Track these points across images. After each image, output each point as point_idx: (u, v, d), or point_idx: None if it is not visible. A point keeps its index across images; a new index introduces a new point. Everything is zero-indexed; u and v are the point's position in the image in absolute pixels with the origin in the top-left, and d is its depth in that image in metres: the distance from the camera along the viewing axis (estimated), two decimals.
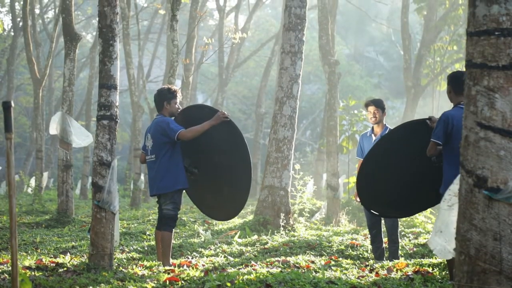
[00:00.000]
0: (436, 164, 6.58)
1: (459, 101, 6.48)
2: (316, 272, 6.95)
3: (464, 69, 4.27)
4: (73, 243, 9.71)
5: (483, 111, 4.08)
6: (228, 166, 8.00)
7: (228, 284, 5.51)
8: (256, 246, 9.36)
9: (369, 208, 7.67)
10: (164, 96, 7.68)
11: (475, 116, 4.12)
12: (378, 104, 8.72)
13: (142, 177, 19.81)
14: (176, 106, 7.72)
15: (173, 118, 7.75)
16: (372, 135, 8.76)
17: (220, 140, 7.86)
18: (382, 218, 8.68)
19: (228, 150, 7.93)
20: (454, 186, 4.94)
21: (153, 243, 9.34)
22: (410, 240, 10.10)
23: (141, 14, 28.91)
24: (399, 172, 7.23)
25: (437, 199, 6.62)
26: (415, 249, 9.13)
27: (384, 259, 8.41)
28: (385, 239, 8.85)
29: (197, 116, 7.83)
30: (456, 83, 6.53)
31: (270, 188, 11.42)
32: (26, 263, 6.90)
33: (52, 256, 8.11)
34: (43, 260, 7.19)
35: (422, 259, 7.80)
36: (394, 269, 7.02)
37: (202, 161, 8.00)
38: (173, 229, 7.56)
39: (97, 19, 7.09)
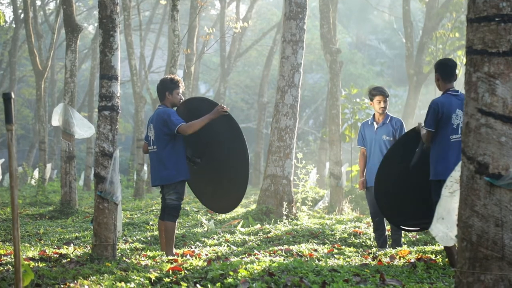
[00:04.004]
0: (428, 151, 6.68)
1: (447, 88, 6.58)
2: (319, 260, 6.96)
3: (465, 56, 4.26)
4: (77, 234, 9.73)
5: (484, 97, 4.07)
6: (227, 158, 8.01)
7: (231, 273, 5.52)
8: (259, 235, 9.38)
9: (397, 223, 7.66)
10: (166, 86, 7.67)
11: (476, 103, 4.11)
12: (386, 93, 8.71)
13: (145, 167, 19.85)
14: (178, 96, 7.71)
15: (175, 108, 7.75)
16: (374, 123, 8.72)
17: (220, 133, 7.87)
18: None
19: (227, 143, 7.94)
20: (456, 173, 4.94)
21: (156, 233, 9.36)
22: None
23: (142, 5, 28.86)
24: (412, 181, 7.25)
25: None
26: (418, 236, 9.14)
27: (387, 246, 8.41)
28: (388, 227, 8.86)
29: (198, 108, 7.83)
30: (443, 70, 6.63)
31: (273, 177, 11.43)
32: (30, 254, 6.93)
33: (55, 247, 8.14)
34: (47, 251, 7.21)
35: (425, 246, 7.81)
36: (397, 257, 7.02)
37: (203, 151, 8.00)
38: (176, 219, 7.57)
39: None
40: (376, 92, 8.72)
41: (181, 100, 7.79)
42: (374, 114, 8.80)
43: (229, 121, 7.74)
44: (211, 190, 8.24)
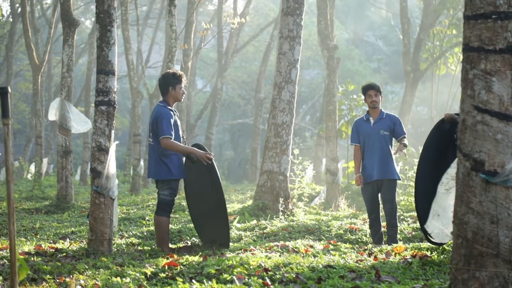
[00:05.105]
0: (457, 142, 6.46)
1: None
2: (314, 256, 6.96)
3: (462, 53, 4.27)
4: (73, 228, 9.73)
5: (480, 94, 4.08)
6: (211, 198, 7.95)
7: (227, 269, 5.52)
8: (255, 231, 9.38)
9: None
10: (169, 81, 7.62)
11: (472, 100, 4.11)
12: (378, 88, 8.75)
13: (142, 163, 19.85)
14: (181, 91, 7.66)
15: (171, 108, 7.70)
16: (370, 118, 8.74)
17: (204, 178, 7.86)
18: (380, 202, 8.70)
19: (210, 188, 7.89)
20: (452, 170, 4.95)
21: (152, 228, 9.36)
22: (408, 224, 10.12)
23: None
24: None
25: None
26: (413, 233, 9.15)
27: (383, 243, 8.43)
28: (383, 223, 8.87)
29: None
30: None
31: (269, 173, 11.43)
32: (26, 249, 6.92)
33: (51, 241, 8.14)
34: (43, 245, 7.21)
35: (420, 243, 7.80)
36: (393, 253, 7.03)
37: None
38: (169, 214, 7.56)
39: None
40: (368, 86, 8.83)
41: (184, 95, 7.76)
42: (368, 111, 8.84)
43: (212, 171, 7.68)
44: (205, 222, 8.23)
